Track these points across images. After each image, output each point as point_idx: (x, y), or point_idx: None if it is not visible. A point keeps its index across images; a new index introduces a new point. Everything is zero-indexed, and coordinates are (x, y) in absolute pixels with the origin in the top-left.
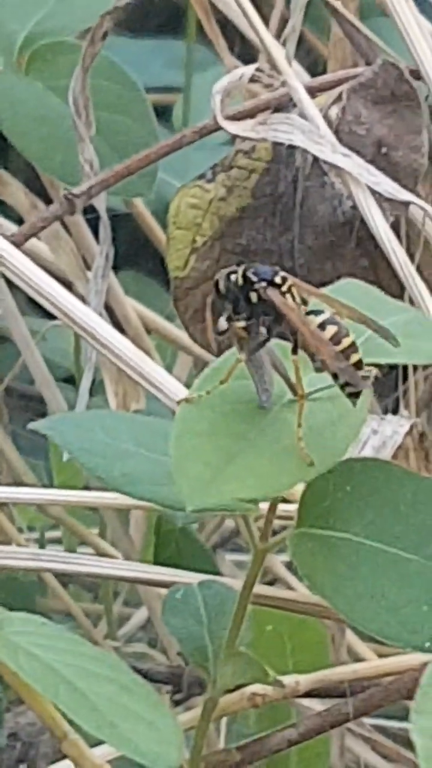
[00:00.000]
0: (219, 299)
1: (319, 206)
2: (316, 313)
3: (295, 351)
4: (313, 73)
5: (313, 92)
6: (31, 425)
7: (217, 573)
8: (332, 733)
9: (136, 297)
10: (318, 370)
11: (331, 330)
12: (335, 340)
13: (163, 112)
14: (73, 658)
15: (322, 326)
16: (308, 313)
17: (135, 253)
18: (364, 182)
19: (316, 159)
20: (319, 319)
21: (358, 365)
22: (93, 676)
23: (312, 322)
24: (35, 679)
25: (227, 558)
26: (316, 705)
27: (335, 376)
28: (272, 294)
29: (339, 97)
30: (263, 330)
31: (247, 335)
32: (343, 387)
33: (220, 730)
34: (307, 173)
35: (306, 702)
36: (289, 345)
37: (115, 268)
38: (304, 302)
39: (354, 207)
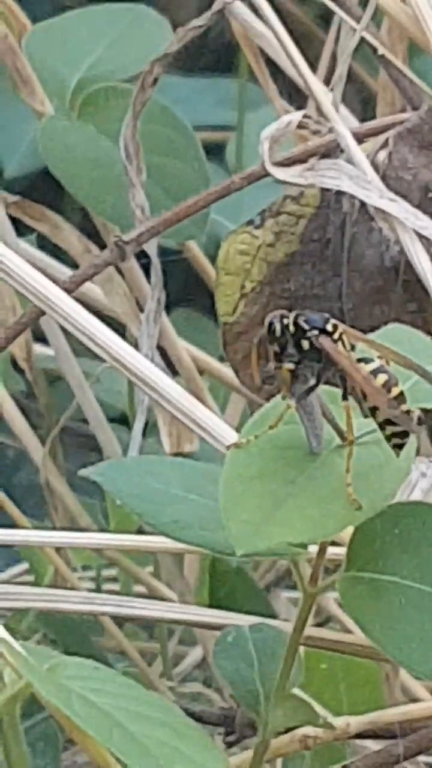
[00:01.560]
0: (270, 342)
1: (367, 251)
2: (366, 361)
3: (345, 397)
4: (365, 112)
5: (360, 138)
6: (82, 472)
7: (271, 613)
8: None
9: (189, 336)
10: (366, 416)
11: (381, 379)
12: (385, 388)
13: (215, 151)
14: (126, 702)
15: (372, 375)
16: (358, 361)
17: (188, 291)
18: (411, 227)
19: (363, 204)
20: (370, 367)
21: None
22: (146, 720)
23: (363, 370)
24: (88, 723)
25: (283, 596)
26: (371, 744)
27: (382, 426)
28: (325, 342)
29: (386, 143)
30: (312, 376)
31: (295, 379)
32: (389, 438)
33: None
34: (354, 219)
35: (359, 741)
36: (336, 390)
37: (168, 307)
38: (353, 348)
39: (401, 252)
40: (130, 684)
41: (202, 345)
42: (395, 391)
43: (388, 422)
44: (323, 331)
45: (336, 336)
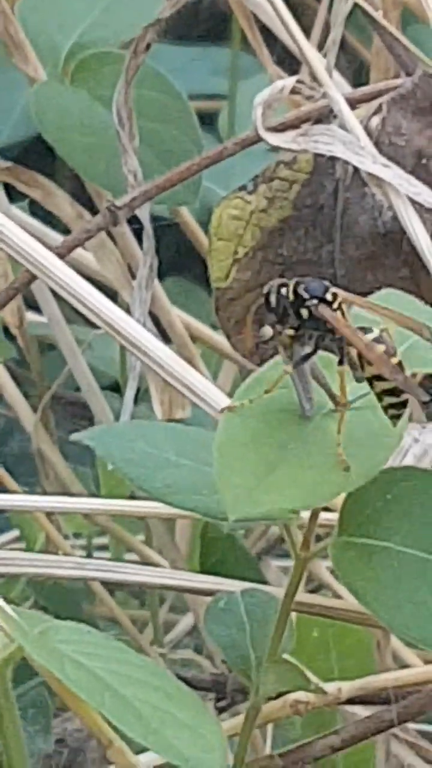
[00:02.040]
0: (268, 311)
1: (360, 217)
2: (365, 331)
3: (341, 363)
4: (359, 80)
5: (353, 104)
6: (74, 436)
7: (262, 580)
8: (378, 739)
9: (181, 304)
10: (359, 380)
11: (380, 348)
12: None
13: (208, 119)
14: (118, 666)
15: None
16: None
17: (180, 259)
18: (405, 193)
19: (356, 170)
20: (370, 337)
21: None
22: (137, 684)
23: (365, 339)
24: (80, 687)
25: (273, 564)
26: (361, 710)
27: (380, 397)
28: (325, 312)
29: (379, 109)
30: (310, 343)
31: (293, 345)
32: (386, 408)
33: (266, 735)
34: (347, 184)
35: (350, 707)
36: (329, 356)
37: (161, 274)
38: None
39: (394, 217)
40: (122, 648)
41: (195, 313)
42: (394, 361)
43: (386, 393)
44: (323, 300)
45: (335, 305)
